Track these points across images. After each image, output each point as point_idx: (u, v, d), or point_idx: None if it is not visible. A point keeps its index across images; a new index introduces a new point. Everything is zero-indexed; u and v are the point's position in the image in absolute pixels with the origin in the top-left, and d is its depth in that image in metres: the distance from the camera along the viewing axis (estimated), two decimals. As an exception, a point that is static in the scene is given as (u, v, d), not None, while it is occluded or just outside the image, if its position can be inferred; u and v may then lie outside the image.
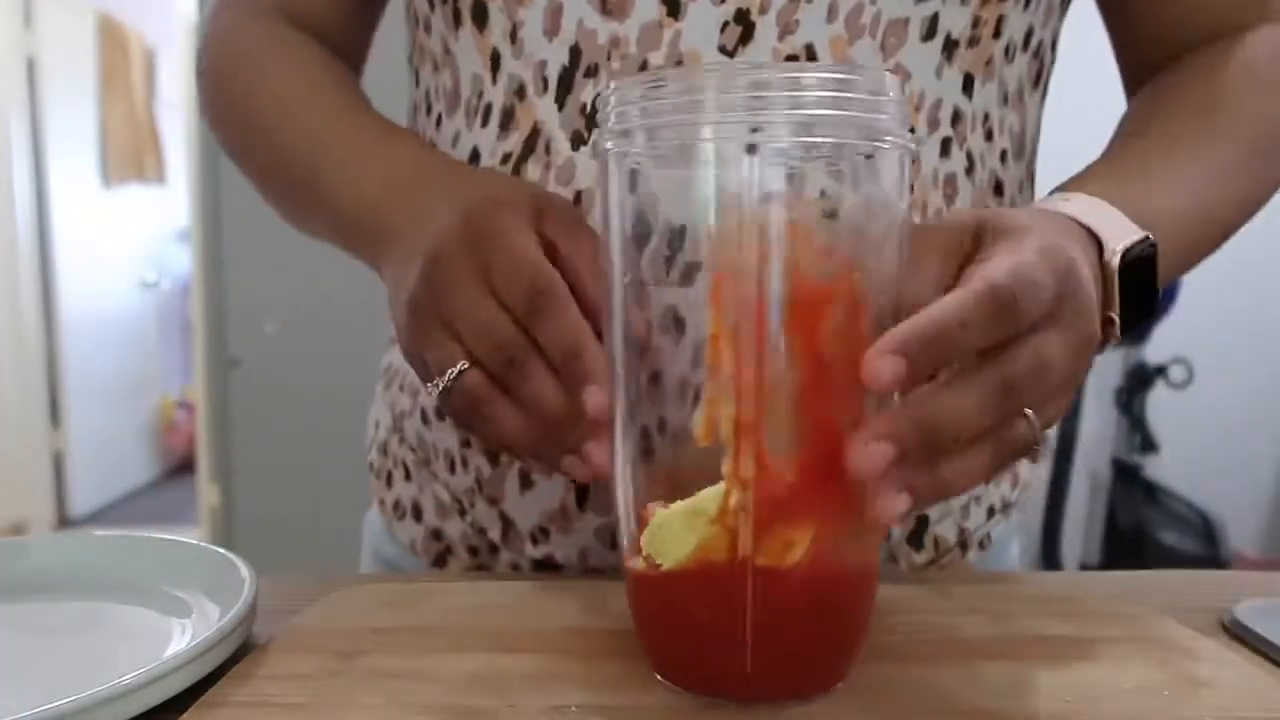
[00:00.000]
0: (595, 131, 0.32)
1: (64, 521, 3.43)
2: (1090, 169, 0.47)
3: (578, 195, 0.45)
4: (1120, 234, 0.39)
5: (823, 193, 0.30)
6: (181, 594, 0.42)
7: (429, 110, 0.53)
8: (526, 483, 0.49)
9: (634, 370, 0.33)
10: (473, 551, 0.53)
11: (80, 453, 3.50)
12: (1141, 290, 0.39)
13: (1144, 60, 0.55)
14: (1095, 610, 0.41)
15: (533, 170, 0.46)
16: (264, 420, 2.09)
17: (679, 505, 0.32)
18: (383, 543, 0.58)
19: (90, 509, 3.56)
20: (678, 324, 0.34)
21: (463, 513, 0.52)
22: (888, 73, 0.31)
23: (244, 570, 0.40)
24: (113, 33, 3.70)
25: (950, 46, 0.45)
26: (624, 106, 0.31)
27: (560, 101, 0.46)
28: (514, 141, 0.47)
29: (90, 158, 3.60)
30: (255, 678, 0.35)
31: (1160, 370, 2.23)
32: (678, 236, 0.33)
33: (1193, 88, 0.50)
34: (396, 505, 0.56)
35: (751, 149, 0.29)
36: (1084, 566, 2.32)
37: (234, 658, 0.36)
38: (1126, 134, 0.50)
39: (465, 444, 0.51)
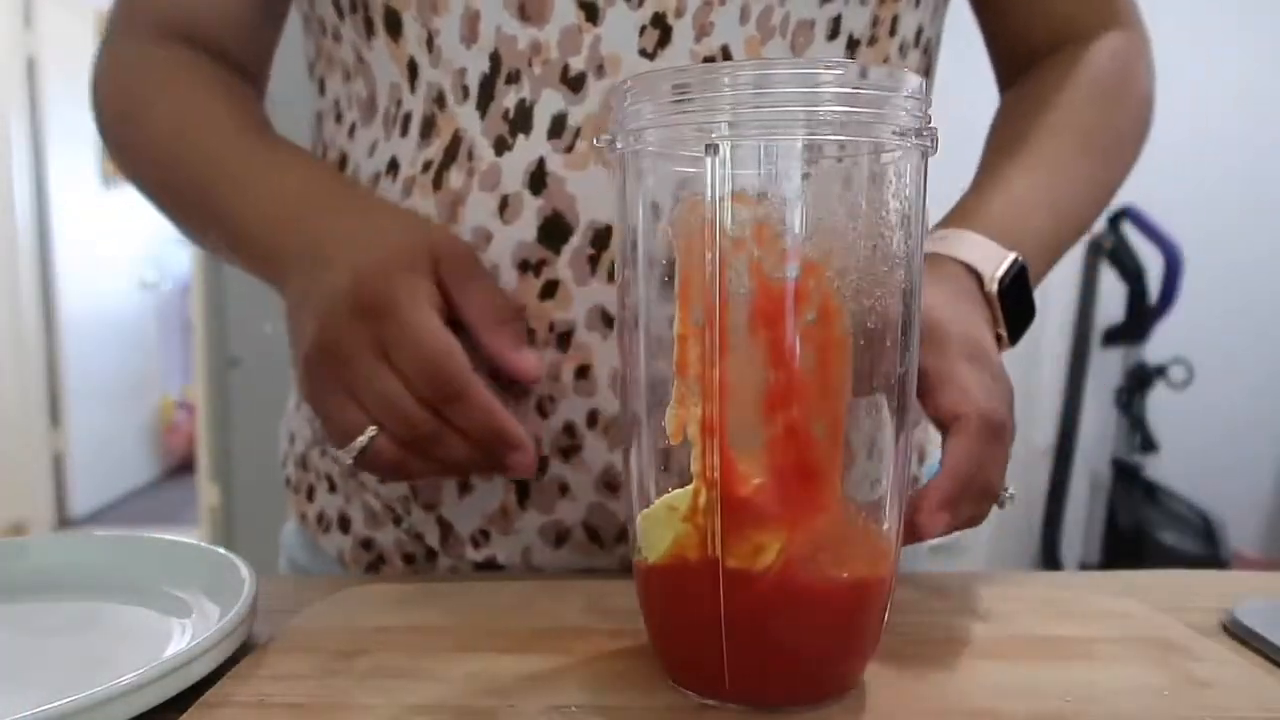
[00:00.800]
0: (609, 128, 0.32)
1: (64, 521, 3.43)
2: (964, 201, 0.50)
3: (504, 200, 0.45)
4: (994, 261, 0.45)
5: (763, 195, 0.30)
6: (181, 594, 0.42)
7: (339, 119, 0.52)
8: (465, 487, 0.49)
9: (651, 367, 0.33)
10: (408, 559, 0.53)
11: (80, 453, 3.50)
12: (1020, 299, 0.46)
13: (1009, 58, 0.59)
14: (1095, 610, 0.41)
15: (455, 177, 0.46)
16: (264, 420, 2.09)
17: (662, 499, 0.32)
18: (304, 556, 0.58)
19: (90, 509, 3.56)
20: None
21: (397, 520, 0.52)
22: (910, 72, 0.30)
23: (244, 570, 0.40)
24: (113, 33, 3.69)
25: (853, 45, 0.47)
26: (636, 104, 0.31)
27: (482, 109, 0.46)
28: (435, 149, 0.47)
29: (90, 158, 3.60)
30: (255, 678, 0.35)
31: (1160, 370, 2.23)
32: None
33: (1044, 105, 0.54)
34: (320, 518, 0.56)
35: (712, 149, 0.29)
36: (1084, 566, 2.32)
37: (234, 658, 0.36)
38: (993, 150, 0.54)
39: None
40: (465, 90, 0.46)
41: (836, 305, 0.30)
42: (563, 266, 0.45)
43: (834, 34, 0.47)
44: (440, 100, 0.46)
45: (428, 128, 0.47)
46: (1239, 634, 0.39)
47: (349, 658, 0.36)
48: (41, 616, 0.42)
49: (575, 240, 0.45)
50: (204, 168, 0.50)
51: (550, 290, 0.45)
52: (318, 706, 0.32)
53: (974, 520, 0.39)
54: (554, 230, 0.45)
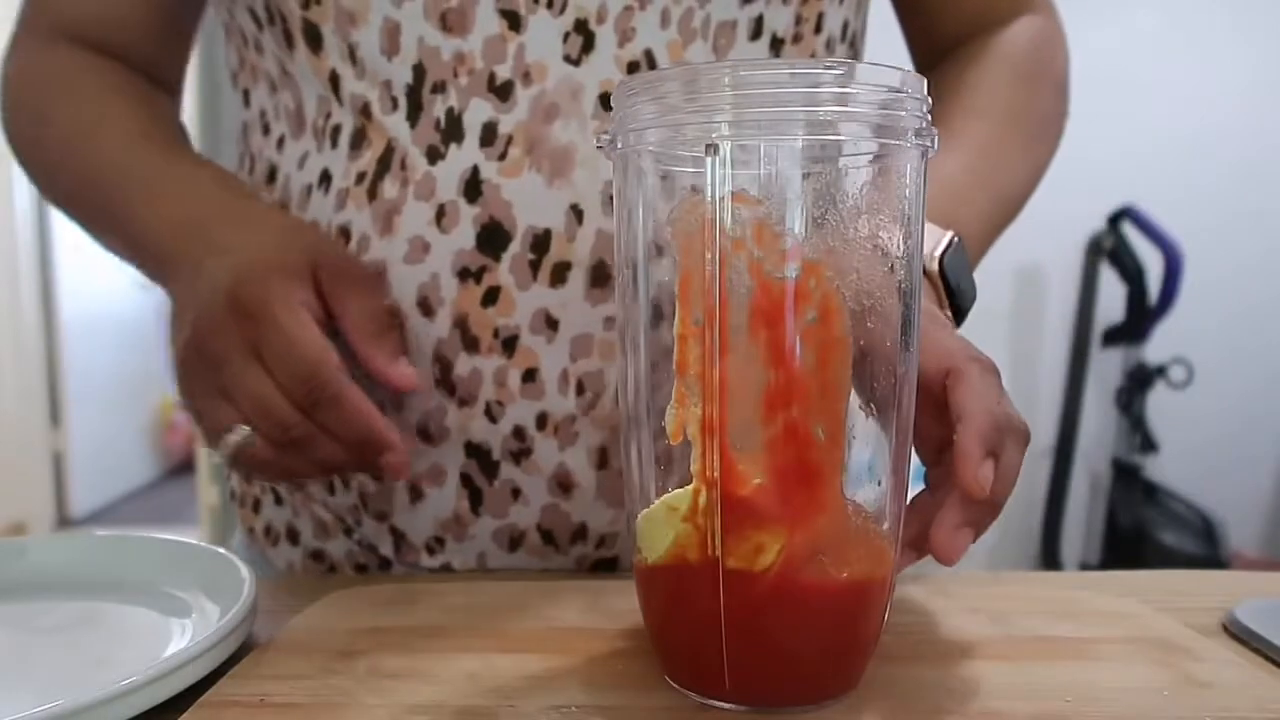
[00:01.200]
0: (609, 127, 0.32)
1: (64, 521, 3.43)
2: None
3: (440, 209, 0.45)
4: (931, 240, 0.44)
5: (763, 195, 0.30)
6: (181, 594, 0.42)
7: (266, 130, 0.51)
8: (416, 494, 0.49)
9: (652, 366, 0.33)
10: (360, 569, 0.53)
11: (80, 453, 3.49)
12: (959, 280, 0.45)
13: (926, 47, 0.60)
14: (1095, 610, 0.41)
15: (390, 188, 0.46)
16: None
17: (662, 499, 0.32)
18: (254, 568, 0.57)
19: (90, 509, 3.55)
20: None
21: (348, 531, 0.52)
22: (912, 73, 0.30)
23: (244, 570, 0.40)
24: (113, 33, 3.69)
25: (777, 44, 0.48)
26: (636, 104, 0.31)
27: (412, 119, 0.46)
28: (367, 160, 0.47)
29: (90, 158, 3.60)
30: (255, 678, 0.35)
31: (1160, 370, 2.23)
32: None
33: (966, 89, 0.55)
34: (268, 530, 0.55)
35: (713, 148, 0.29)
36: (1084, 566, 2.32)
37: (234, 658, 0.36)
38: None
39: None
40: (394, 101, 0.46)
41: (837, 305, 0.30)
42: (504, 273, 0.45)
43: (756, 34, 0.47)
44: (366, 111, 0.46)
45: (358, 139, 0.47)
46: (1239, 634, 0.39)
47: (349, 658, 0.36)
48: (41, 616, 0.42)
49: (515, 247, 0.45)
50: (106, 173, 0.50)
51: (492, 297, 0.45)
52: (318, 706, 0.32)
53: (1015, 467, 0.36)
54: (492, 238, 0.45)
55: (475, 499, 0.48)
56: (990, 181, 0.51)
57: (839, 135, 0.30)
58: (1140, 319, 2.20)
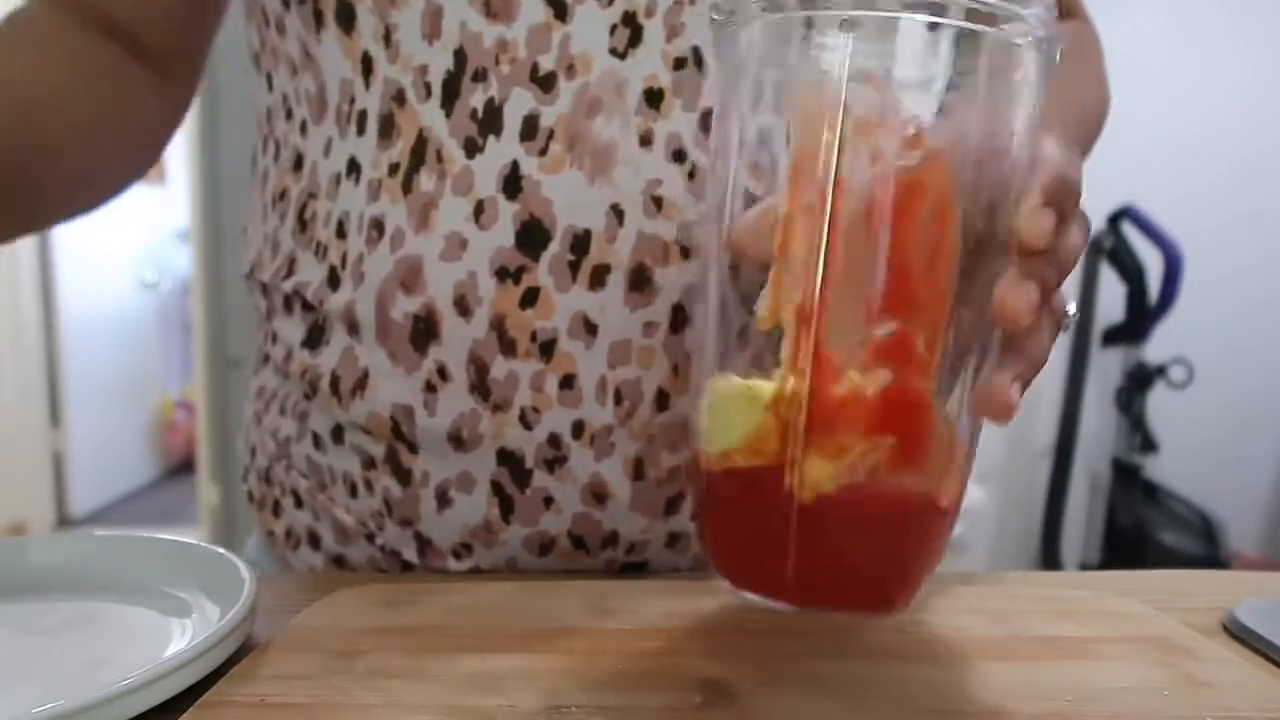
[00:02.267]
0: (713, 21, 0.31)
1: (64, 521, 3.43)
2: None
3: (479, 205, 0.44)
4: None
5: (888, 83, 0.28)
6: (181, 594, 0.42)
7: (289, 115, 0.50)
8: (444, 501, 0.48)
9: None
10: (382, 573, 0.51)
11: (80, 453, 3.49)
12: None
13: None
14: (1095, 610, 0.41)
15: (426, 181, 0.44)
16: (264, 420, 2.08)
17: (738, 382, 0.30)
18: (271, 573, 0.56)
19: (90, 509, 3.55)
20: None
21: (370, 537, 0.51)
22: None
23: (244, 570, 0.40)
24: (113, 33, 3.69)
25: None
26: None
27: (447, 108, 0.44)
28: (400, 151, 0.45)
29: (90, 158, 3.60)
30: (255, 678, 0.35)
31: (1160, 370, 2.23)
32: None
33: None
34: (289, 534, 0.54)
35: (847, 24, 0.27)
36: (1084, 566, 2.32)
37: (234, 658, 0.36)
38: None
39: (368, 466, 0.49)
40: (427, 88, 0.44)
41: (952, 206, 0.28)
42: (543, 274, 0.44)
43: None
44: (400, 98, 0.45)
45: (387, 127, 0.45)
46: (1239, 634, 0.39)
47: (349, 658, 0.36)
48: (41, 616, 0.42)
49: (554, 247, 0.44)
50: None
51: (531, 298, 0.44)
52: (318, 706, 0.32)
53: (1076, 245, 0.32)
54: (531, 236, 0.44)
55: (506, 507, 0.47)
56: (1071, 109, 0.50)
57: (970, 23, 0.28)
58: (1140, 319, 2.20)
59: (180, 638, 0.39)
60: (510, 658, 0.36)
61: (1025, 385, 0.31)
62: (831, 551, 0.30)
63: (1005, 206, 0.29)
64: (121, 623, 0.41)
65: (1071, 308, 0.35)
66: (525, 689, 0.33)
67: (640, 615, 0.40)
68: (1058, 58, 0.30)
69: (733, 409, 0.30)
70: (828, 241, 0.28)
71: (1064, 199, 0.30)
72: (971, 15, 0.28)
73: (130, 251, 3.88)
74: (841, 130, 0.27)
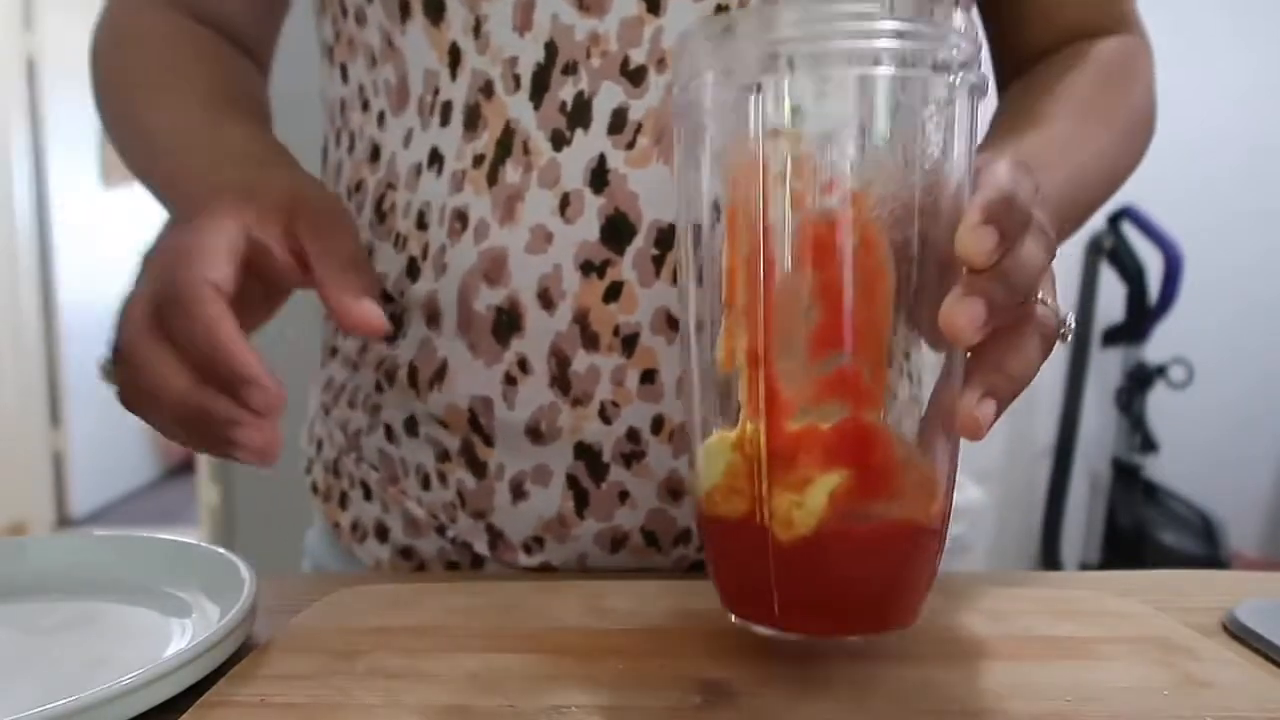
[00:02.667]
0: (670, 80, 0.33)
1: (64, 521, 3.43)
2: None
3: (565, 198, 0.44)
4: None
5: (806, 131, 0.30)
6: (181, 594, 0.42)
7: (366, 106, 0.50)
8: (519, 493, 0.48)
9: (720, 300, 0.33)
10: (451, 566, 0.52)
11: (80, 453, 3.49)
12: None
13: (1012, 62, 0.58)
14: (1095, 610, 0.41)
15: (512, 173, 0.45)
16: (264, 420, 2.08)
17: (723, 430, 0.33)
18: (336, 565, 0.56)
19: (90, 509, 3.55)
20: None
21: (441, 529, 0.51)
22: (958, 9, 0.31)
23: (244, 570, 0.40)
24: (113, 33, 3.69)
25: None
26: (691, 53, 0.32)
27: (536, 100, 0.44)
28: (485, 142, 0.45)
29: (90, 158, 3.60)
30: (255, 678, 0.35)
31: (1160, 370, 2.23)
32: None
33: (1052, 84, 0.53)
34: (355, 526, 0.54)
35: (755, 88, 0.29)
36: (1084, 566, 2.32)
37: (234, 658, 0.36)
38: (1000, 128, 0.52)
39: (442, 459, 0.49)
40: (516, 80, 0.44)
41: (875, 235, 0.30)
42: (627, 268, 0.44)
43: None
44: (488, 89, 0.45)
45: (472, 118, 0.45)
46: (1239, 634, 0.39)
47: (349, 658, 0.36)
48: (41, 616, 0.42)
49: (639, 241, 0.44)
50: (152, 135, 0.51)
51: (615, 293, 0.44)
52: (318, 706, 0.32)
53: (1035, 259, 0.32)
54: (617, 230, 0.44)
55: (581, 501, 0.47)
56: (1070, 159, 0.49)
57: (888, 70, 0.30)
58: (1140, 319, 2.20)
59: (180, 638, 0.39)
60: (510, 658, 0.36)
61: (1006, 401, 0.31)
62: (820, 585, 0.31)
63: (941, 234, 0.31)
64: (121, 623, 0.41)
65: (1071, 320, 0.36)
66: (525, 689, 0.33)
67: (640, 615, 0.40)
68: (985, 88, 0.31)
69: (713, 452, 0.33)
70: (764, 287, 0.30)
71: (1005, 216, 0.30)
72: (884, 60, 0.30)
73: (130, 251, 3.87)
74: (763, 184, 0.30)
